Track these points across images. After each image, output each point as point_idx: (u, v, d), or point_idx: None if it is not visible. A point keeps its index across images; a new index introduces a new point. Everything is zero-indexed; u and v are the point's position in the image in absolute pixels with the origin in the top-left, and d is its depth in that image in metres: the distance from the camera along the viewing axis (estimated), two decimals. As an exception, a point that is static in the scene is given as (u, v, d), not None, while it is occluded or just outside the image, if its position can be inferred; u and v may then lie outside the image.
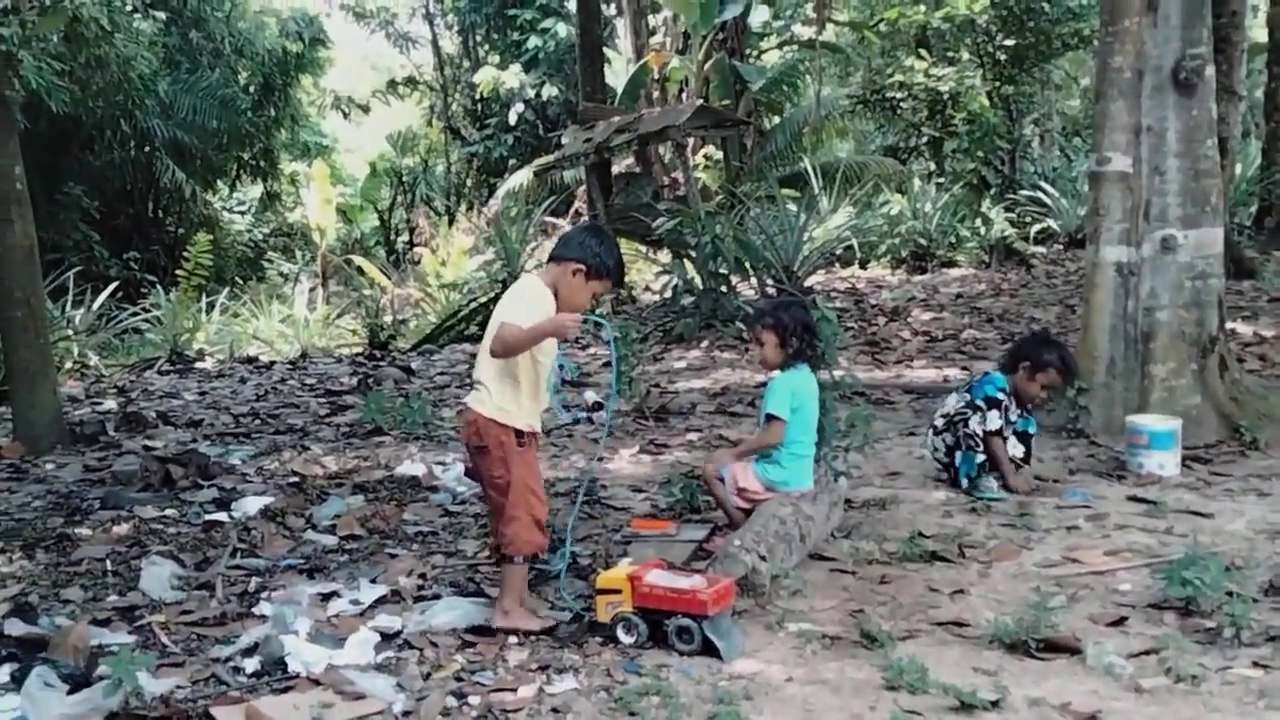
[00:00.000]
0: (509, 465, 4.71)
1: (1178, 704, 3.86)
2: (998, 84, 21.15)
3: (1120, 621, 4.60)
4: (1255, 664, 4.13)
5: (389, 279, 20.71)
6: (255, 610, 5.06)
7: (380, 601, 5.12)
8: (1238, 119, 14.88)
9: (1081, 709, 3.82)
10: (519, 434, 4.72)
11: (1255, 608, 4.47)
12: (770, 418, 5.62)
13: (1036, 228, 19.40)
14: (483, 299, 16.58)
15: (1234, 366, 7.86)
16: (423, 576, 5.44)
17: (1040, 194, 19.77)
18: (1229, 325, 8.49)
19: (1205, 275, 7.61)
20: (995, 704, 3.83)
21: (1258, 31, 21.42)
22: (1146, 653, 4.25)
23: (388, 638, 4.69)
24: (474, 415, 4.75)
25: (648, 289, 18.25)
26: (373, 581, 5.37)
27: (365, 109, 33.64)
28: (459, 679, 4.27)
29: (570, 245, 4.83)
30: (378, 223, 32.16)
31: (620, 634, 4.52)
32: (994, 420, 6.51)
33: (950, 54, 21.86)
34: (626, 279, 16.88)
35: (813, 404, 5.70)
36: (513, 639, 4.59)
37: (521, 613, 4.73)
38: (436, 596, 5.12)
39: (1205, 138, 7.61)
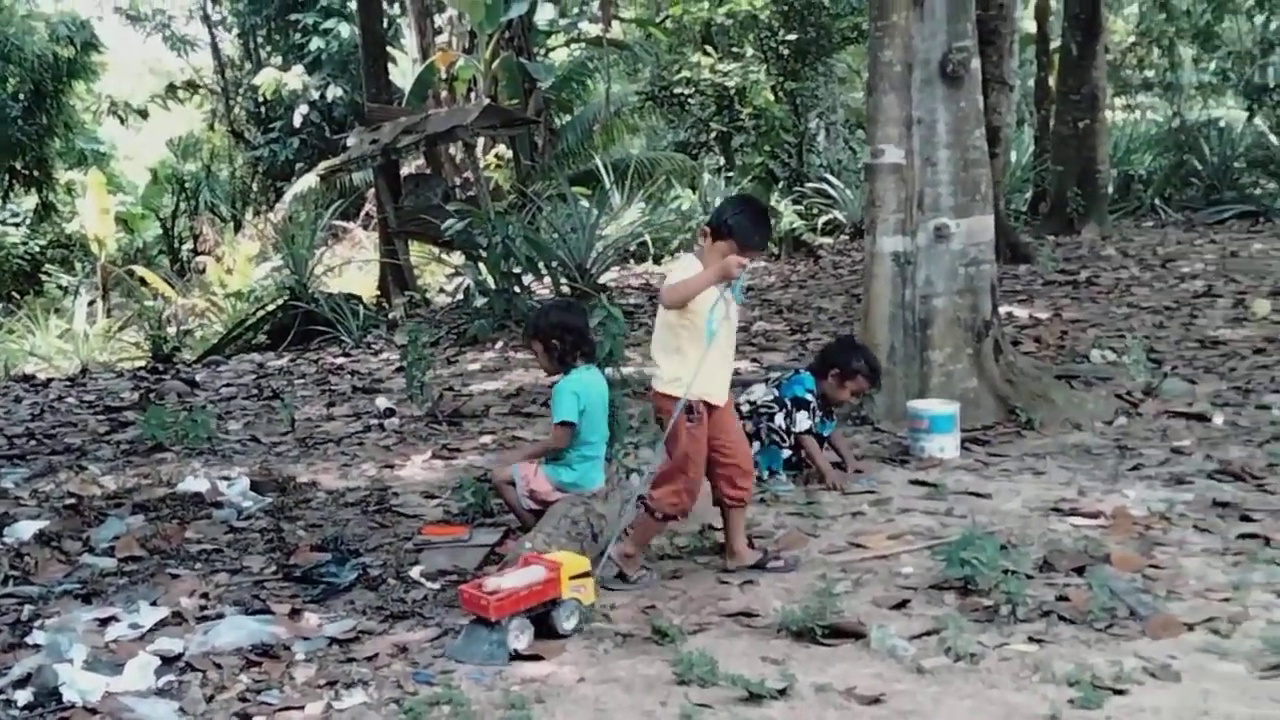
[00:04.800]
0: (677, 438, 5.03)
1: (958, 682, 3.97)
2: (782, 79, 21.49)
3: (903, 604, 4.71)
4: (1030, 639, 4.28)
5: (173, 289, 20.06)
6: (28, 640, 4.81)
7: (161, 624, 4.91)
8: (1010, 108, 15.43)
9: (866, 692, 3.90)
10: (689, 411, 4.99)
11: (1030, 584, 4.64)
12: (559, 424, 5.61)
13: (823, 219, 19.79)
14: (270, 306, 16.19)
15: (1009, 349, 8.13)
16: (205, 596, 5.25)
17: (826, 186, 20.18)
18: (1005, 309, 8.78)
19: (978, 262, 7.85)
20: (783, 692, 3.89)
21: (1029, 23, 22.28)
22: (928, 633, 4.37)
23: (169, 661, 4.50)
24: (655, 393, 5.19)
25: (441, 291, 18.05)
26: (153, 604, 5.14)
27: (144, 114, 32.61)
28: (244, 700, 4.14)
29: (712, 216, 5.20)
30: (160, 231, 31.13)
31: None
32: (803, 421, 6.64)
33: (735, 49, 22.13)
34: (420, 283, 16.73)
35: (601, 404, 5.71)
36: (300, 655, 4.48)
37: (634, 562, 5.20)
38: (220, 616, 4.95)
39: (974, 128, 7.85)
